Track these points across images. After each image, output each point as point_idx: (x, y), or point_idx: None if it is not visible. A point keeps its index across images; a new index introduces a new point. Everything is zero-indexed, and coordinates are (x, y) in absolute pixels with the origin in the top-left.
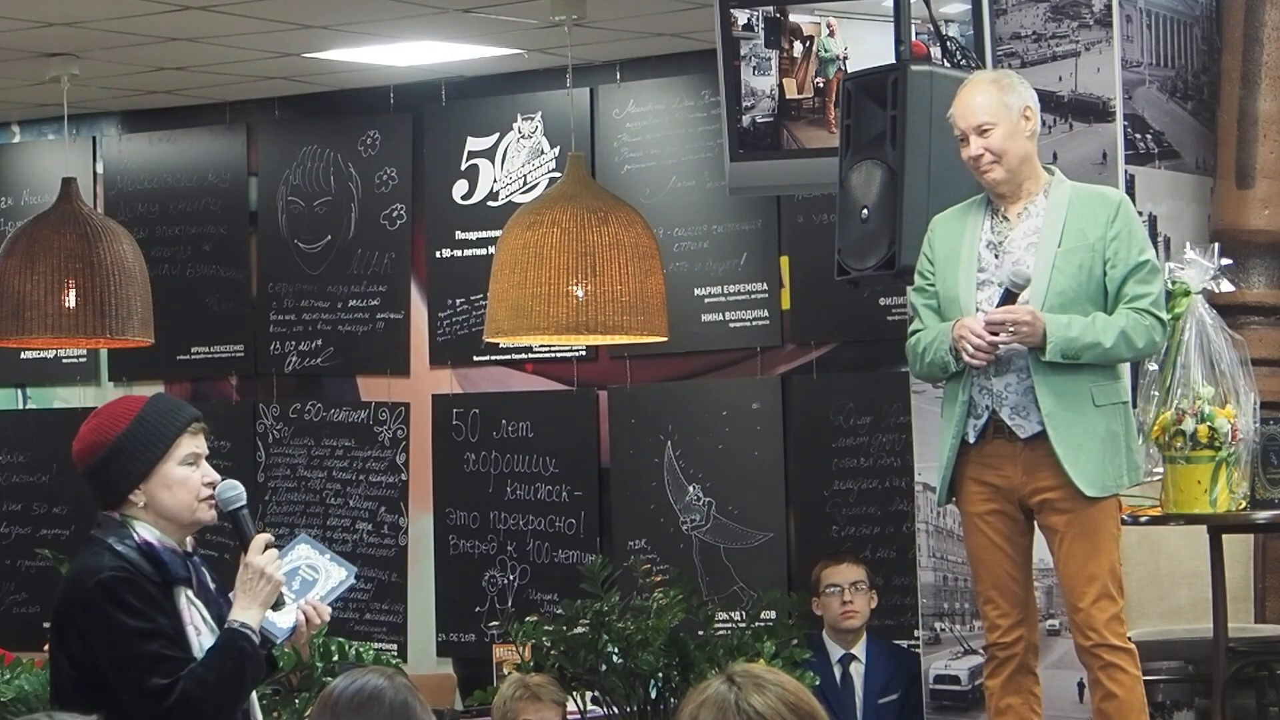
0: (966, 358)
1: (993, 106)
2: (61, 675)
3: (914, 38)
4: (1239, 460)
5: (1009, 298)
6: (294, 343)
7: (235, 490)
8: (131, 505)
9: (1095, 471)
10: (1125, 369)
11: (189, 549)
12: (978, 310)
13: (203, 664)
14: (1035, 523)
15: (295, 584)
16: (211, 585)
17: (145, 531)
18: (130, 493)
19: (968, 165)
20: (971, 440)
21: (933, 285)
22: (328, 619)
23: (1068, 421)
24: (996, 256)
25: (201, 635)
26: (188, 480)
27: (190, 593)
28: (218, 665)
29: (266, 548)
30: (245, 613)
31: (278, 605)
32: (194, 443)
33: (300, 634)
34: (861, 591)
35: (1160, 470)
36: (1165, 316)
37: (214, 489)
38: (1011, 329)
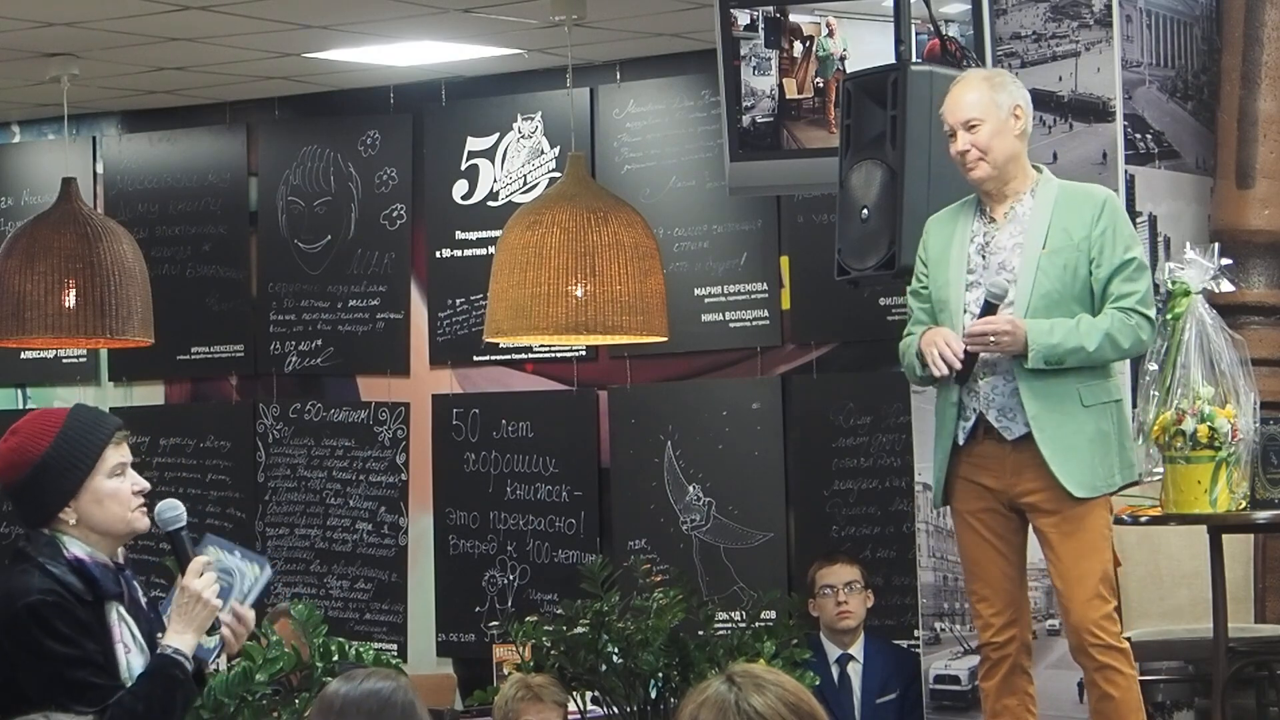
0: (930, 364)
1: (982, 103)
2: None
3: (927, 37)
4: (1239, 460)
5: (989, 308)
6: (294, 343)
7: (175, 511)
8: (62, 523)
9: (1084, 472)
10: (1119, 367)
11: (120, 561)
12: (966, 311)
13: (131, 692)
14: (1028, 523)
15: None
16: (143, 601)
17: (76, 547)
18: (60, 511)
19: (954, 161)
20: (961, 442)
21: (927, 288)
22: (253, 623)
23: (1054, 423)
24: (984, 258)
25: (130, 654)
26: (118, 492)
27: (121, 608)
28: (147, 694)
29: (204, 571)
30: (179, 638)
31: (212, 630)
32: (119, 453)
33: (230, 646)
34: (856, 592)
35: (1160, 470)
36: (1153, 314)
37: (144, 495)
38: (993, 340)
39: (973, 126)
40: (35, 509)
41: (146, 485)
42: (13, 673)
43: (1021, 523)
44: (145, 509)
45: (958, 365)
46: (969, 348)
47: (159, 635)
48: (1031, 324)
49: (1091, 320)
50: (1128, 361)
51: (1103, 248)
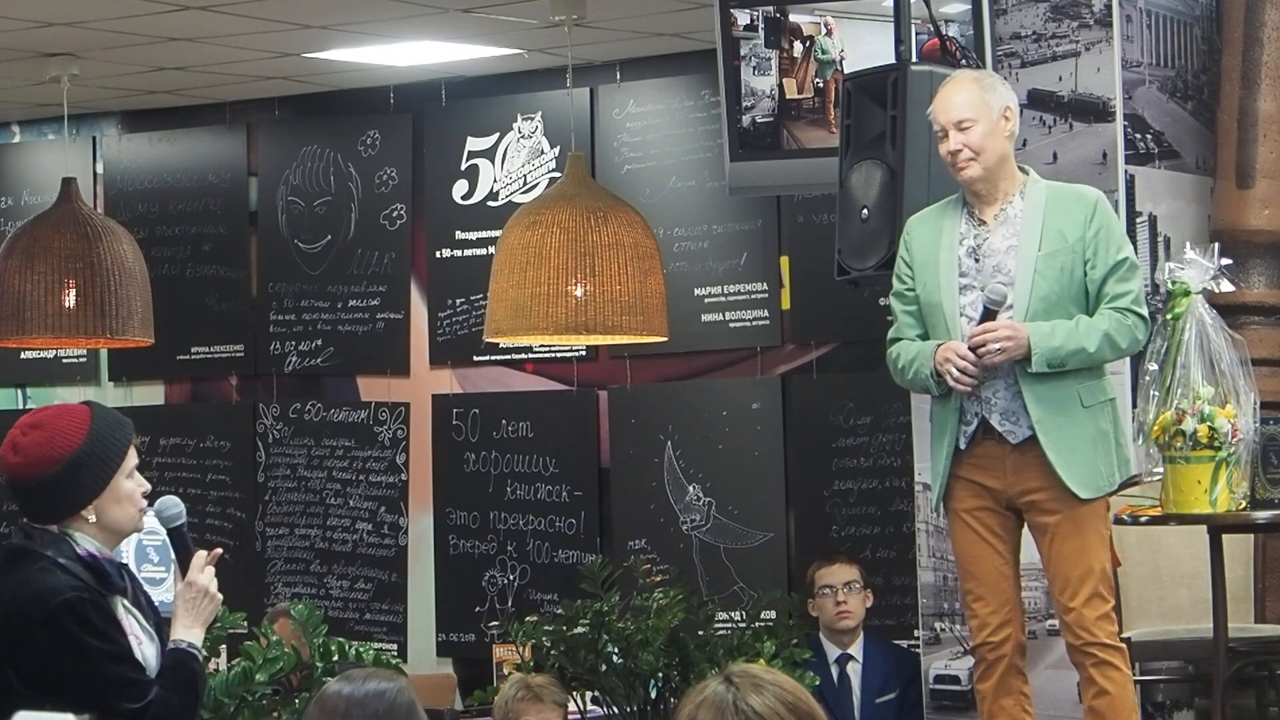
0: (952, 383)
1: (974, 103)
2: (8, 691)
3: (927, 37)
4: (1239, 460)
5: (988, 314)
6: (294, 343)
7: (177, 508)
8: (80, 520)
9: (1088, 473)
10: (1111, 365)
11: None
12: (962, 315)
13: (165, 687)
14: (1026, 522)
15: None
16: (142, 594)
17: (86, 543)
18: (84, 508)
19: (944, 161)
20: (962, 446)
21: (912, 290)
22: (216, 553)
23: (1058, 426)
24: (977, 261)
25: (142, 645)
26: (134, 493)
27: (126, 602)
28: (178, 687)
29: (206, 565)
30: (189, 632)
31: (214, 624)
32: (133, 454)
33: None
34: (855, 592)
35: (1160, 470)
36: (1146, 312)
37: (146, 497)
38: (997, 347)
39: (965, 126)
40: (59, 505)
41: (149, 487)
42: (46, 671)
43: (1017, 521)
44: (145, 510)
45: (977, 374)
46: (974, 358)
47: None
48: (1033, 327)
49: (1090, 321)
50: (1126, 360)
51: (1097, 249)
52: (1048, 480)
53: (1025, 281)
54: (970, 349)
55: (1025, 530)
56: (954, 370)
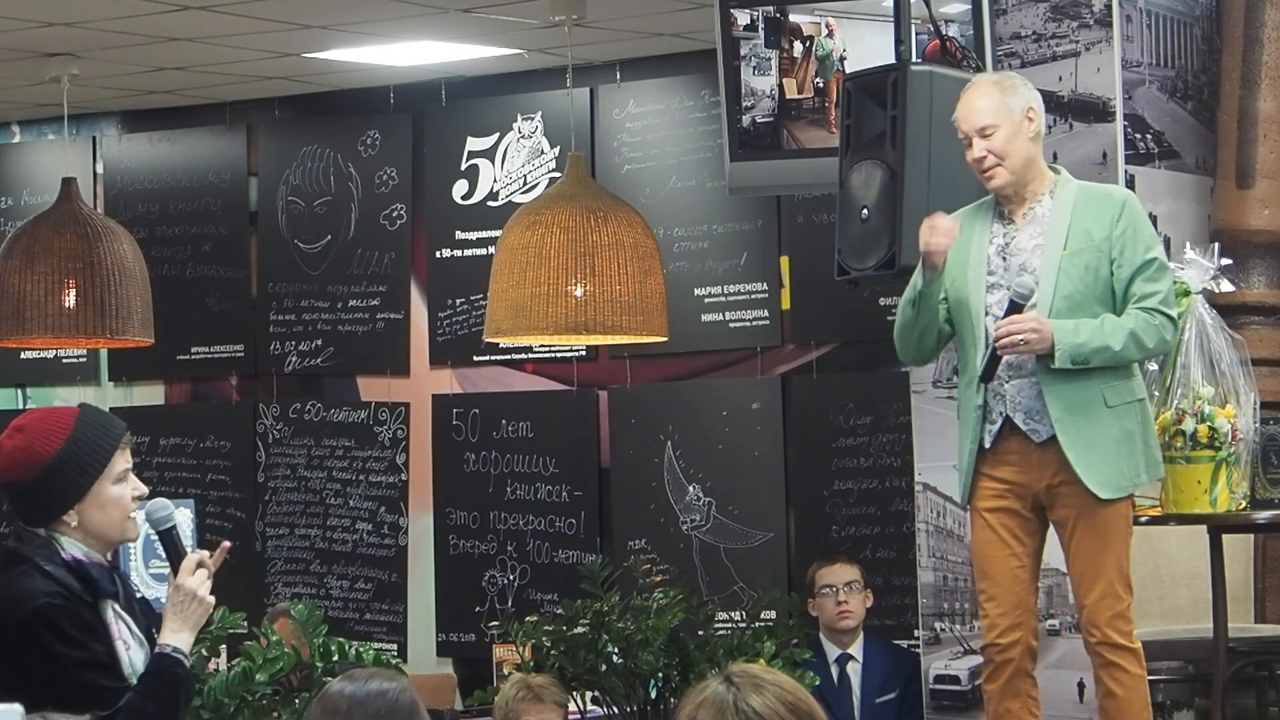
0: (922, 244)
1: (995, 109)
2: None
3: (928, 37)
4: (1239, 460)
5: (1014, 308)
6: (294, 343)
7: (166, 510)
8: (63, 525)
9: (1109, 473)
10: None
11: (111, 559)
12: (987, 313)
13: (139, 693)
14: (1049, 518)
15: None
16: (136, 597)
17: (73, 548)
18: (64, 514)
19: (972, 168)
20: (987, 445)
21: (944, 287)
22: (224, 547)
23: (1078, 425)
24: (1004, 260)
25: (130, 650)
26: (121, 498)
27: (117, 606)
28: (155, 694)
29: (198, 568)
30: (177, 636)
31: (206, 626)
32: (124, 458)
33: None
34: (856, 591)
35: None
36: (1175, 313)
37: (141, 502)
38: (1021, 339)
39: (987, 133)
40: (40, 509)
41: (145, 490)
42: (20, 676)
43: (1039, 524)
44: (137, 514)
45: (948, 233)
46: (998, 351)
47: (155, 631)
48: (1057, 324)
49: (1116, 320)
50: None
51: (1124, 248)
52: (1071, 475)
53: (1049, 280)
54: (994, 341)
55: (1051, 532)
56: (925, 230)
